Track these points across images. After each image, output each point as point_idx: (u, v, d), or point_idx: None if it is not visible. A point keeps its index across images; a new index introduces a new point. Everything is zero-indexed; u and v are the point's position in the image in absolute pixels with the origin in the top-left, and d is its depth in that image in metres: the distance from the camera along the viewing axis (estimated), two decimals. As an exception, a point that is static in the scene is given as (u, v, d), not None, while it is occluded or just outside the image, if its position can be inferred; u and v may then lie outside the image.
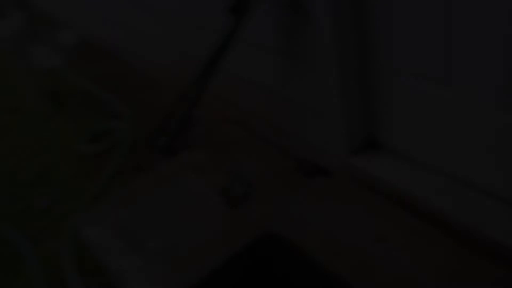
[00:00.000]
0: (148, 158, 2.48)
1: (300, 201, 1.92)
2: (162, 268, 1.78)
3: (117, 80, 3.32)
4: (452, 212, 1.62)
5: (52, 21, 4.34)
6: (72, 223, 2.17)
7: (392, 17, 1.59)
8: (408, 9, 1.53)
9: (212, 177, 2.16)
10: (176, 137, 2.30)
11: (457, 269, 1.53)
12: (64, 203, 2.37)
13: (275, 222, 1.84)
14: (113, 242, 1.94)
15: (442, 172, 1.75)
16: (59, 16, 4.29)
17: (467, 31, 1.41)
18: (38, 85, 3.40)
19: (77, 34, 3.94)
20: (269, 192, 2.01)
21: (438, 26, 1.47)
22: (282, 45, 1.95)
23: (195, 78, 2.19)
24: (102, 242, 1.96)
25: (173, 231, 1.93)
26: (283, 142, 2.25)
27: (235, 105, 2.48)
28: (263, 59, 2.10)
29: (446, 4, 1.42)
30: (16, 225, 2.31)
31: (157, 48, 2.98)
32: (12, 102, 3.47)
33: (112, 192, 2.32)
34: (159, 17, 2.76)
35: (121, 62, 3.50)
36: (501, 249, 1.50)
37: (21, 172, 2.71)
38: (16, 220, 2.36)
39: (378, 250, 1.65)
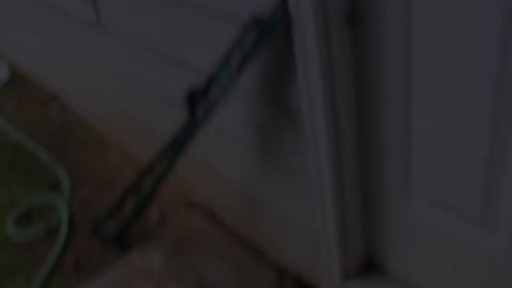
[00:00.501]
0: (90, 249, 2.03)
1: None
2: None
3: (57, 131, 2.83)
4: None
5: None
6: None
7: (412, 133, 1.21)
8: (439, 121, 1.15)
9: (169, 291, 1.74)
10: (129, 227, 1.86)
11: None
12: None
13: None
14: None
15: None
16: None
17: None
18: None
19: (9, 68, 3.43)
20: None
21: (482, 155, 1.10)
22: (262, 143, 1.55)
23: (156, 157, 1.76)
24: None
25: None
26: (258, 243, 1.85)
27: (200, 190, 2.05)
28: (238, 153, 1.69)
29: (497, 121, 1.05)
30: None
31: (104, 102, 2.51)
32: None
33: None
34: (112, 76, 2.30)
35: (63, 108, 3.01)
36: None
37: None
38: None
39: None
